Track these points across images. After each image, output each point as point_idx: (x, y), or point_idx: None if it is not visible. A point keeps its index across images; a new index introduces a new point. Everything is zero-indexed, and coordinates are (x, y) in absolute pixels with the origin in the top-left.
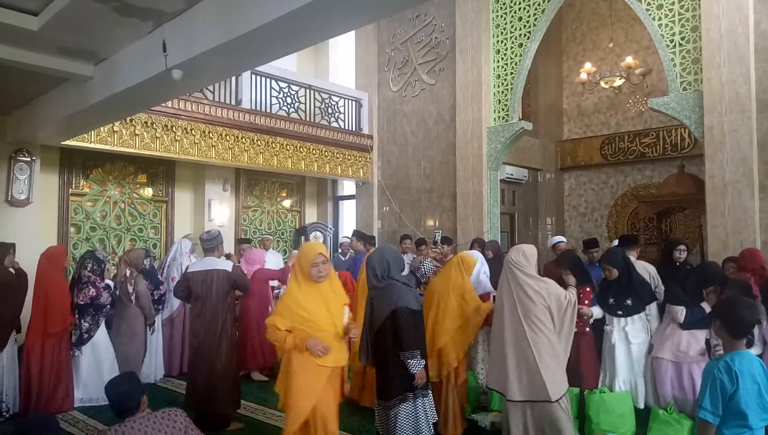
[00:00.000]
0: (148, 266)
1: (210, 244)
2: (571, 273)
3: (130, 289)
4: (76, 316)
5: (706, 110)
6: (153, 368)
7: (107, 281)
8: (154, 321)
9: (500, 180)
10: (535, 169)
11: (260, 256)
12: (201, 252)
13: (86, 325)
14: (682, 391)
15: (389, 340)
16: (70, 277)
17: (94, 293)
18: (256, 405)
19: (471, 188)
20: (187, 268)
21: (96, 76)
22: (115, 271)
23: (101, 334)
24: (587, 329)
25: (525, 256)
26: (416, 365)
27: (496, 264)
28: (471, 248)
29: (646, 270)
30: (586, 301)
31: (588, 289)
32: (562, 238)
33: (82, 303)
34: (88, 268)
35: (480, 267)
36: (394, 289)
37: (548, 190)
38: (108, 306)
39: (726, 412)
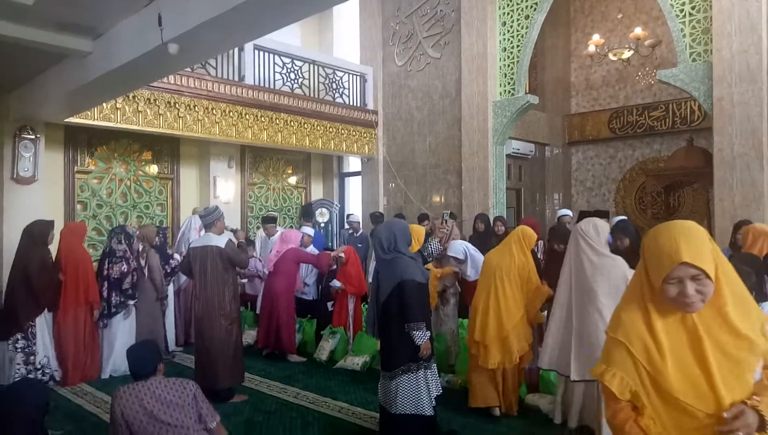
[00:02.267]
0: (158, 242)
1: (208, 219)
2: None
3: (143, 262)
4: (106, 288)
5: (715, 81)
6: (168, 339)
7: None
8: (166, 295)
9: (506, 155)
10: (541, 144)
11: (296, 236)
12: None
13: (115, 299)
14: None
15: (394, 311)
16: (102, 251)
17: (126, 269)
18: (260, 377)
19: (476, 163)
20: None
21: (95, 51)
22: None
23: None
24: None
25: (596, 228)
26: (421, 337)
27: (489, 237)
28: (474, 223)
29: None
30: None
31: None
32: (568, 211)
33: (114, 277)
34: (122, 243)
35: (466, 244)
36: (401, 261)
37: (555, 165)
38: (130, 291)
39: None
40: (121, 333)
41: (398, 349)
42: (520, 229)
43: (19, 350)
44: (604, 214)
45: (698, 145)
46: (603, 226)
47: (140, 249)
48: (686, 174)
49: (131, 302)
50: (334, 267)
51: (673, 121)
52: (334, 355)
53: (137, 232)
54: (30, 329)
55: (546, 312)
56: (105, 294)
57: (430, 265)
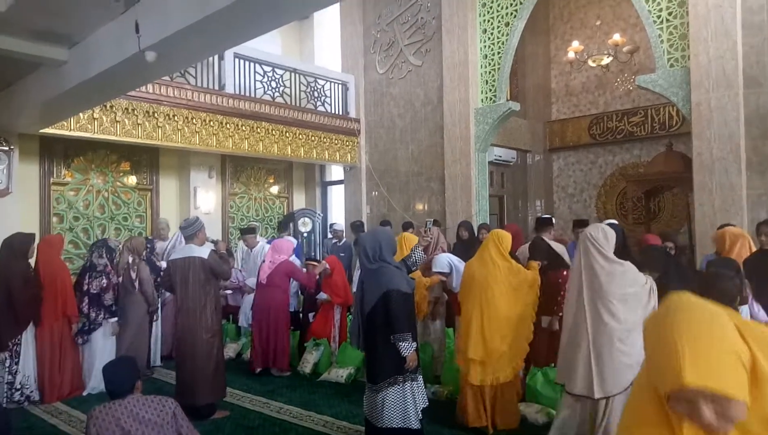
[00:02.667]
0: (146, 255)
1: (188, 230)
2: (546, 259)
3: (134, 275)
4: (86, 303)
5: (693, 87)
6: (153, 354)
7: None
8: (157, 308)
9: (489, 162)
10: (523, 151)
11: (288, 247)
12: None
13: (94, 314)
14: None
15: (380, 322)
16: (82, 265)
17: (106, 284)
18: (242, 392)
19: (459, 170)
20: (163, 256)
21: (70, 60)
22: (118, 259)
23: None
24: None
25: (605, 234)
26: (407, 348)
27: (473, 244)
28: (458, 231)
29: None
30: (567, 284)
31: (565, 272)
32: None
33: (94, 292)
34: (104, 257)
35: (449, 257)
36: (386, 271)
37: (537, 172)
38: (113, 308)
39: None
40: (100, 350)
41: (384, 361)
42: (494, 233)
43: (6, 369)
44: (584, 223)
45: (677, 150)
46: (611, 233)
47: (130, 261)
48: (666, 179)
49: (113, 320)
50: (317, 277)
51: (652, 126)
52: (318, 367)
53: (127, 245)
54: (15, 347)
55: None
56: (85, 309)
57: (418, 274)
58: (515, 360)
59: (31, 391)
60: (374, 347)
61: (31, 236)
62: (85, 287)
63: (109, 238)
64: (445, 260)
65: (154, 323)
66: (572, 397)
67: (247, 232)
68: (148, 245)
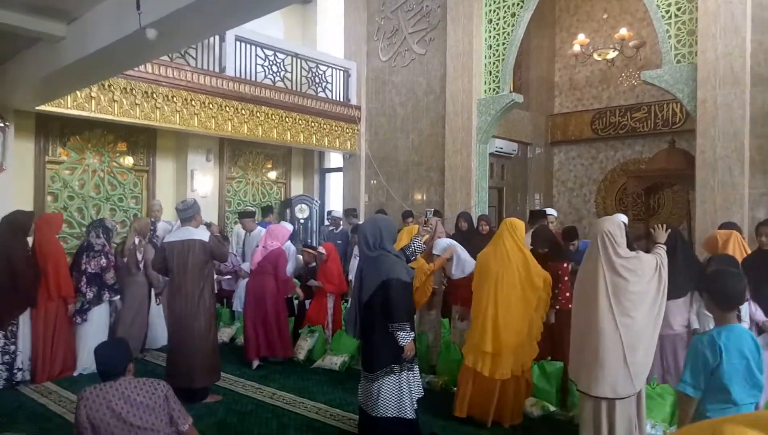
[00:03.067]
0: (151, 236)
1: (186, 213)
2: (548, 251)
3: (139, 256)
4: (84, 283)
5: (699, 83)
6: (154, 336)
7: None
8: (161, 290)
9: (489, 153)
10: (524, 143)
11: (284, 233)
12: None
13: (91, 294)
14: (666, 364)
15: (378, 311)
16: (79, 245)
17: (105, 263)
18: (235, 377)
19: (460, 161)
20: (162, 239)
21: (68, 36)
22: (123, 240)
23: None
24: (570, 305)
25: (620, 228)
26: (405, 337)
27: (472, 236)
28: (457, 222)
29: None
30: (566, 277)
31: (566, 265)
32: (553, 211)
33: (92, 271)
34: (101, 237)
35: (452, 242)
36: (386, 259)
37: (537, 165)
38: (114, 285)
39: (709, 386)
40: (96, 330)
41: (380, 350)
42: (508, 222)
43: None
44: (542, 215)
45: (679, 147)
46: (621, 224)
47: (137, 242)
48: (667, 176)
49: (116, 298)
50: (314, 264)
51: (655, 122)
52: (312, 354)
53: (135, 226)
54: (11, 327)
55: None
56: (83, 289)
57: (421, 261)
58: (527, 354)
59: (24, 370)
60: (371, 336)
61: (31, 214)
62: (83, 267)
63: (106, 217)
64: (447, 244)
65: (157, 306)
66: (593, 398)
67: (246, 215)
68: (152, 227)
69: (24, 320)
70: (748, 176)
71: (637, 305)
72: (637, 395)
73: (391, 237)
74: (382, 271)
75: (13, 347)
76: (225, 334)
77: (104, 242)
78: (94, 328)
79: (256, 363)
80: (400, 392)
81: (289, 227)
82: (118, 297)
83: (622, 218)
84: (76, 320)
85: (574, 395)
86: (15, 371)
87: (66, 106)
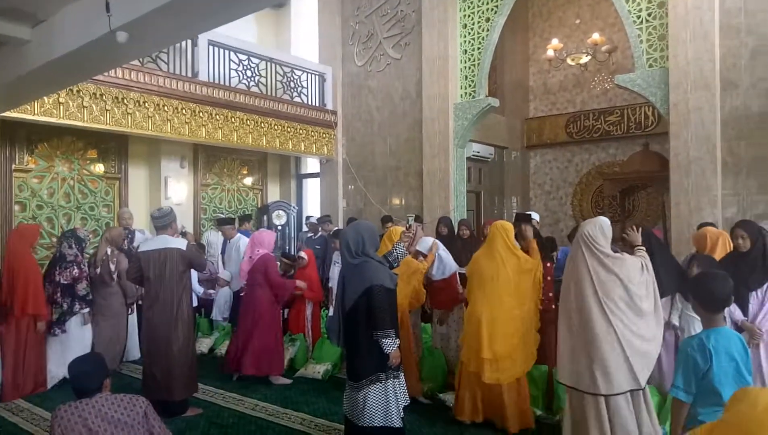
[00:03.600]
0: (126, 245)
1: (162, 221)
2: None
3: (112, 267)
4: (58, 295)
5: (671, 87)
6: (129, 347)
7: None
8: (135, 300)
9: (466, 158)
10: (501, 147)
11: (269, 239)
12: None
13: (66, 305)
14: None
15: (362, 318)
16: (52, 256)
17: (77, 274)
18: (215, 389)
19: (437, 166)
20: (137, 248)
21: (34, 39)
22: (95, 251)
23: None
24: (553, 306)
25: (603, 231)
26: (390, 344)
27: (453, 241)
28: (437, 227)
29: None
30: (549, 277)
31: (549, 264)
32: (536, 215)
33: (65, 282)
34: (73, 247)
35: (437, 242)
36: (370, 265)
37: (514, 168)
38: (89, 297)
39: (700, 390)
40: (75, 342)
41: (365, 359)
42: (498, 225)
43: None
44: (526, 218)
45: (653, 150)
46: (607, 225)
47: (109, 252)
48: (642, 178)
49: (85, 311)
50: (292, 272)
51: (629, 126)
52: (294, 363)
53: (106, 235)
54: None
55: None
56: (59, 300)
57: (413, 262)
58: (528, 357)
59: None
60: (356, 344)
61: None
62: (57, 278)
63: (78, 227)
64: (431, 241)
65: (129, 316)
66: (585, 396)
67: (225, 222)
68: (129, 235)
69: None
70: (721, 178)
71: (629, 304)
72: (642, 393)
73: (374, 243)
74: (365, 277)
75: None
76: (204, 344)
77: (76, 253)
78: (74, 339)
79: (236, 375)
80: (386, 401)
81: (273, 233)
82: (88, 310)
83: (604, 221)
84: (54, 332)
85: (560, 399)
86: None
87: (33, 113)
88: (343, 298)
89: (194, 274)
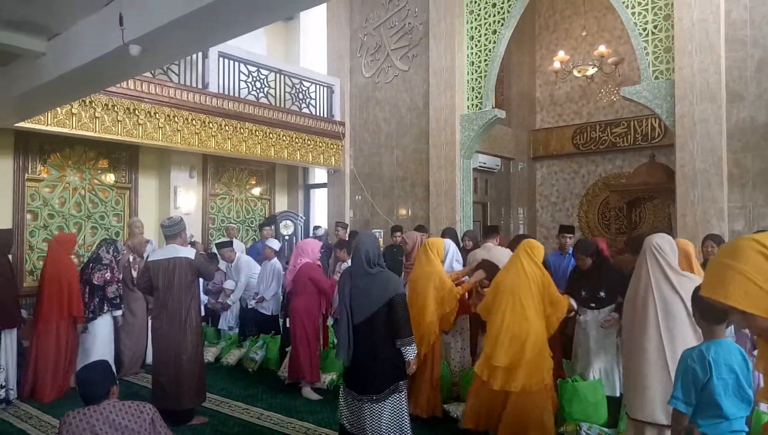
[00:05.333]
0: (149, 253)
1: (171, 230)
2: None
3: (134, 274)
4: (87, 293)
5: (677, 99)
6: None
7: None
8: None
9: (473, 169)
10: (507, 158)
11: (314, 247)
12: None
13: (93, 305)
14: None
15: (381, 328)
16: (86, 258)
17: (109, 277)
18: (221, 397)
19: (444, 177)
20: (146, 257)
21: (49, 52)
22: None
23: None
24: None
25: (671, 245)
26: (411, 352)
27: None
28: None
29: (500, 258)
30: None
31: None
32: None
33: (96, 283)
34: (110, 252)
35: (453, 255)
36: (389, 276)
37: (520, 180)
38: (116, 299)
39: (700, 401)
40: (101, 343)
41: (386, 369)
42: (526, 243)
43: None
44: (570, 229)
45: (659, 162)
46: (674, 244)
47: (131, 260)
48: (648, 189)
49: (117, 313)
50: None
51: (635, 137)
52: None
53: (128, 243)
54: None
55: None
56: (86, 299)
57: (448, 281)
58: (542, 370)
59: (11, 389)
60: (372, 355)
61: (10, 232)
62: (89, 277)
63: (119, 239)
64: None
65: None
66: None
67: (222, 245)
68: (151, 244)
69: (10, 338)
70: (727, 190)
71: (683, 325)
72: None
73: (380, 253)
74: (388, 287)
75: None
76: (210, 353)
77: (112, 258)
78: (98, 342)
79: (288, 381)
80: (402, 411)
81: (275, 245)
82: (120, 312)
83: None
84: (78, 330)
85: (564, 410)
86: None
87: (46, 123)
88: (352, 310)
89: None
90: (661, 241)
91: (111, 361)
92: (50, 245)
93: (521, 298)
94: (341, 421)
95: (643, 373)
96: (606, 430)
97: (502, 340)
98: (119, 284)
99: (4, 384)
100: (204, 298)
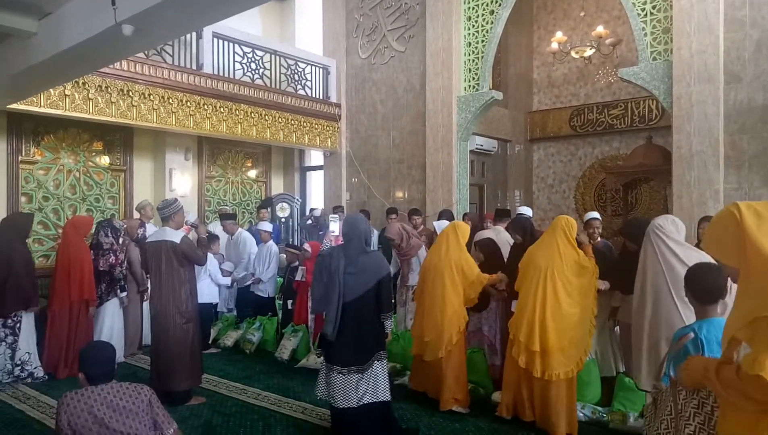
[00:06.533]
0: (140, 235)
1: (165, 212)
2: (522, 237)
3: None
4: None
5: (675, 80)
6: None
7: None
8: (147, 288)
9: (470, 151)
10: (504, 140)
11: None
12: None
13: (100, 290)
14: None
15: (371, 304)
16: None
17: (114, 260)
18: (218, 378)
19: (441, 159)
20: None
21: (40, 32)
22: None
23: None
24: None
25: (675, 223)
26: (390, 325)
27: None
28: (439, 220)
29: (507, 242)
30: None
31: None
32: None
33: (102, 269)
34: (109, 235)
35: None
36: (381, 256)
37: (517, 162)
38: (122, 282)
39: None
40: (108, 326)
41: (371, 340)
42: (562, 219)
43: (4, 344)
44: (506, 213)
45: (656, 144)
46: (680, 222)
47: (122, 242)
48: (645, 171)
49: (122, 294)
50: (296, 263)
51: (632, 119)
52: (296, 353)
53: (124, 226)
54: (17, 324)
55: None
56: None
57: (474, 268)
58: (582, 348)
59: (35, 367)
60: (361, 330)
61: (30, 215)
62: (94, 265)
63: (114, 217)
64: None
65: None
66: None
67: (227, 217)
68: (143, 226)
69: (29, 320)
70: (723, 171)
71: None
72: None
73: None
74: (381, 266)
75: (15, 344)
76: (230, 338)
77: (112, 241)
78: (107, 326)
79: None
80: (384, 375)
81: (268, 228)
82: (125, 293)
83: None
84: (90, 313)
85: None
86: (13, 366)
87: (39, 105)
88: (345, 288)
89: (215, 265)
90: (663, 221)
91: (121, 344)
92: (65, 229)
93: (555, 283)
94: (330, 400)
95: (662, 346)
96: (599, 408)
97: (535, 326)
98: (122, 266)
99: (19, 363)
100: (223, 280)
